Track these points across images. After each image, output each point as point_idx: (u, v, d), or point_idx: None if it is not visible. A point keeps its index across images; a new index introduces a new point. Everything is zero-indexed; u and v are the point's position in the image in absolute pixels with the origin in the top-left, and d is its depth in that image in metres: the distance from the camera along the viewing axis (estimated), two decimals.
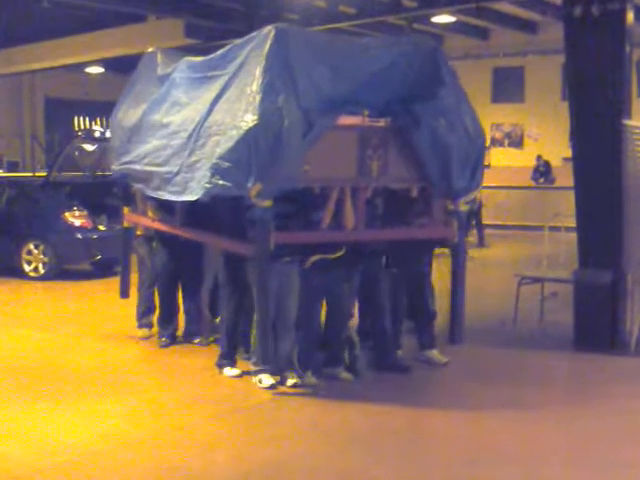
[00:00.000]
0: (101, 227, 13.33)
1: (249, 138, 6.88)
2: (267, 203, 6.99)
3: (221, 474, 5.72)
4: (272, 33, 7.17)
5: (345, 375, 7.72)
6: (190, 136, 7.59)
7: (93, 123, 21.02)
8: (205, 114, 7.49)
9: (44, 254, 13.08)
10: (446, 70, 7.90)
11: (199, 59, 8.41)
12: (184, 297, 9.05)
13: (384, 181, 7.69)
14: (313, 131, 7.04)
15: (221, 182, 7.10)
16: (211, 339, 8.80)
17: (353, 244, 7.66)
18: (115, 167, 9.30)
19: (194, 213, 8.23)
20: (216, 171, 7.11)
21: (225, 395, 7.31)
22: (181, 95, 8.25)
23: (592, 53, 8.88)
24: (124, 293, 9.99)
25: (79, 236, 13.13)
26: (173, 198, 7.92)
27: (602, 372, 8.19)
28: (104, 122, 18.91)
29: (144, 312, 9.21)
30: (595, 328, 8.82)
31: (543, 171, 23.87)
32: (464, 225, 8.16)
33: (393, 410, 6.98)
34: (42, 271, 13.07)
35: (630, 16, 8.80)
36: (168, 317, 8.95)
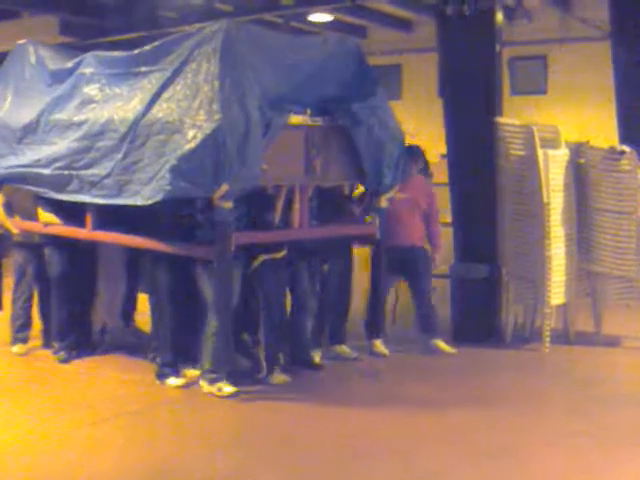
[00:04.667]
0: None
1: (214, 137, 6.66)
2: (229, 204, 6.85)
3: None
4: (223, 28, 7.01)
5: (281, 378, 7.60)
6: (124, 136, 7.19)
7: None
8: (141, 113, 7.12)
9: None
10: (370, 68, 8.04)
11: (116, 54, 7.98)
12: (80, 306, 8.43)
13: (325, 179, 7.74)
14: (271, 130, 6.98)
15: (182, 184, 6.78)
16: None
17: (296, 243, 7.69)
18: None
19: (111, 217, 7.76)
20: (176, 173, 6.77)
21: (106, 400, 7.16)
22: (95, 92, 7.74)
23: (464, 52, 9.11)
24: None
25: None
26: (100, 202, 7.48)
27: (479, 364, 8.41)
28: None
29: (21, 326, 8.54)
30: (472, 321, 9.05)
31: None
32: (385, 221, 8.28)
33: (280, 410, 6.97)
34: None
35: (499, 15, 9.06)
36: (66, 329, 8.28)
